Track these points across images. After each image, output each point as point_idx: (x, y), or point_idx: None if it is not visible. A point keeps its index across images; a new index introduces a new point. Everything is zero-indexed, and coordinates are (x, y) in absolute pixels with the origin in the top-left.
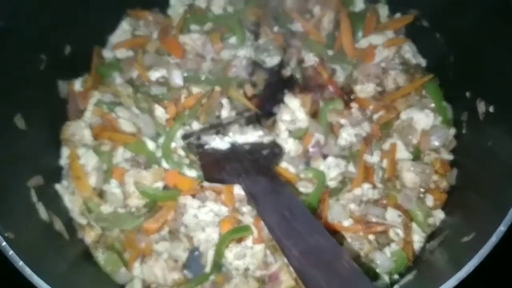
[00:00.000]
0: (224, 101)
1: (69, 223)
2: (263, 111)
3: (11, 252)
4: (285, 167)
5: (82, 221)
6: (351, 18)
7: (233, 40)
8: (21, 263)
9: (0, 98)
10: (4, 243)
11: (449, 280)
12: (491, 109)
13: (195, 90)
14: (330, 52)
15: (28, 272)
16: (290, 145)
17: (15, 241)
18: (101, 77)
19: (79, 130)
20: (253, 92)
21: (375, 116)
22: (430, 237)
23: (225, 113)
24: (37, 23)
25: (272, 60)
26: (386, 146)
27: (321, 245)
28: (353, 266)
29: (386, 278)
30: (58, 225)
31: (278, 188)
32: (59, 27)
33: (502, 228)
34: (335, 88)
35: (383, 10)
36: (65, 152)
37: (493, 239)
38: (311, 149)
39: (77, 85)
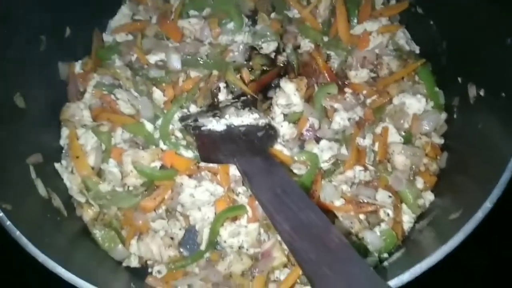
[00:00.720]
0: (222, 84)
1: (67, 200)
2: (259, 94)
3: (8, 223)
4: (280, 149)
5: (81, 199)
6: (346, 4)
7: (231, 25)
8: (18, 233)
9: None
10: (1, 214)
11: (434, 253)
12: (481, 92)
13: (193, 73)
14: (326, 38)
15: (24, 241)
16: (285, 129)
17: (12, 213)
18: (101, 60)
19: (78, 111)
20: (250, 76)
21: (368, 101)
22: (419, 218)
23: (222, 96)
24: (37, 4)
25: (268, 46)
26: (378, 130)
27: (311, 220)
28: (342, 239)
29: (375, 256)
30: (57, 202)
31: (271, 167)
32: (59, 9)
33: (488, 204)
34: (330, 73)
35: None
36: (64, 132)
37: (479, 215)
38: (305, 132)
39: (77, 67)
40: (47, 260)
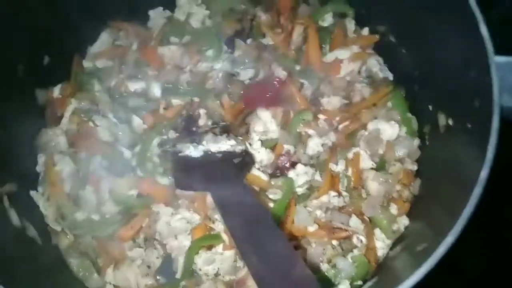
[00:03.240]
0: (202, 111)
1: (44, 228)
2: (239, 120)
3: None
4: (258, 175)
5: (56, 227)
6: (319, 32)
7: (210, 52)
8: None
9: None
10: None
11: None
12: (450, 122)
13: (174, 101)
14: (298, 67)
15: None
16: (262, 154)
17: None
18: (80, 85)
19: (54, 137)
20: (230, 102)
21: (341, 127)
22: (394, 244)
23: (202, 122)
24: (13, 34)
25: (246, 73)
26: (350, 155)
27: (279, 253)
28: (308, 273)
29: (347, 284)
30: (31, 232)
31: (244, 196)
32: (37, 38)
33: (449, 238)
34: (303, 101)
35: (350, 25)
36: (41, 158)
37: (441, 250)
38: (281, 158)
39: (56, 92)
40: None
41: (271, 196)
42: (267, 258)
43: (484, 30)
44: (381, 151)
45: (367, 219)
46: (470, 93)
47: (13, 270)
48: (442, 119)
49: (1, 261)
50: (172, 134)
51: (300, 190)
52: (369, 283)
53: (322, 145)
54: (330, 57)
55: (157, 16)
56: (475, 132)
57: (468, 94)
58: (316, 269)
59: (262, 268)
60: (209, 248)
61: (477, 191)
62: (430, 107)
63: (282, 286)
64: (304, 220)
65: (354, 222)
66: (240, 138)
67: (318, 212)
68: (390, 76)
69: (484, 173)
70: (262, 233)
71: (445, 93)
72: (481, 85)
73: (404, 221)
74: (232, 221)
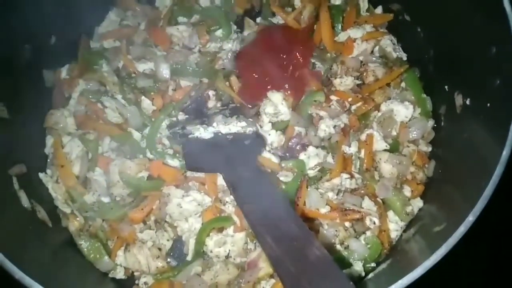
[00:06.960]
0: (211, 92)
1: (53, 211)
2: (248, 102)
3: None
4: (268, 157)
5: (66, 209)
6: (331, 11)
7: (219, 32)
8: None
9: None
10: None
11: (416, 269)
12: (468, 102)
13: (183, 82)
14: None
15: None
16: (273, 136)
17: None
18: (88, 65)
19: (62, 119)
20: (239, 83)
21: (353, 108)
22: (408, 226)
23: (211, 104)
24: (21, 14)
25: None
26: (363, 137)
27: (293, 232)
28: (323, 253)
29: (360, 265)
30: (41, 214)
31: (256, 177)
32: (43, 18)
33: (470, 218)
34: (315, 82)
35: (363, 3)
36: (49, 140)
37: (461, 229)
38: (292, 140)
39: (63, 73)
40: (24, 278)
41: (282, 179)
42: (282, 238)
43: (507, 5)
44: (394, 133)
45: (380, 201)
46: (491, 71)
47: (24, 252)
48: (459, 99)
49: (12, 243)
50: (181, 116)
51: (311, 172)
52: (383, 265)
53: (334, 127)
54: (342, 36)
55: None
56: (496, 111)
57: (488, 73)
58: (331, 250)
59: (277, 248)
60: (220, 230)
61: (499, 170)
62: (446, 87)
63: (299, 266)
64: (316, 202)
65: (367, 204)
66: (251, 119)
67: (330, 194)
68: (404, 56)
69: (506, 153)
70: (276, 213)
71: (463, 72)
72: (503, 62)
73: (418, 203)
74: (245, 202)
